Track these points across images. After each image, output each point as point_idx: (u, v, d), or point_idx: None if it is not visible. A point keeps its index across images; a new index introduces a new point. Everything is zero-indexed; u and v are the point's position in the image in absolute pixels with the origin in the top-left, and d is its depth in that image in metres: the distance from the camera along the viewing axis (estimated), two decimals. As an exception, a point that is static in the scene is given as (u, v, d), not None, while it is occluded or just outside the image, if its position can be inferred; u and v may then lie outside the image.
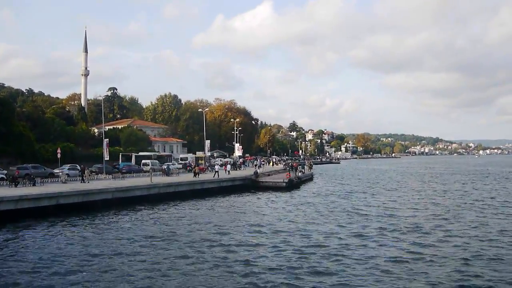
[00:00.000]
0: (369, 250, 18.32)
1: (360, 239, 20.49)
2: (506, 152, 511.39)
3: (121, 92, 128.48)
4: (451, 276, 14.59)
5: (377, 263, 16.19)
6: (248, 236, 21.53)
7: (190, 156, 72.80)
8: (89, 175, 39.54)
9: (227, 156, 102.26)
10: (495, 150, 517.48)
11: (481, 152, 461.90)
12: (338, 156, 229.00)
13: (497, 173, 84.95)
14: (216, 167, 49.45)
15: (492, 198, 38.59)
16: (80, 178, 38.09)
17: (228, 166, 54.94)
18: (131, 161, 59.71)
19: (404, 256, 17.25)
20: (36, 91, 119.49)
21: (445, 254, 17.55)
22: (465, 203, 34.84)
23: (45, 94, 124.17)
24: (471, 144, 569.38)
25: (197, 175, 45.72)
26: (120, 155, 62.55)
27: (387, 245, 19.15)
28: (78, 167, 48.44)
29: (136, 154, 64.03)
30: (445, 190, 47.24)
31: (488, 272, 15.01)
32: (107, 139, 52.08)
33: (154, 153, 71.73)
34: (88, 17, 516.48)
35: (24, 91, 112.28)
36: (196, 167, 49.74)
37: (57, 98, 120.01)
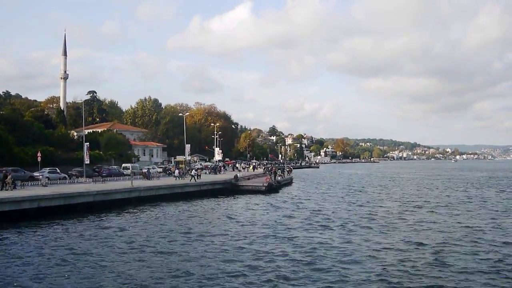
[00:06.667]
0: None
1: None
2: (482, 158, 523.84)
3: (99, 94, 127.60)
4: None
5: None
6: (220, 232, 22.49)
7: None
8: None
9: (207, 160, 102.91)
10: (472, 156, 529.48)
11: (458, 157, 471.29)
12: (317, 161, 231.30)
13: (469, 178, 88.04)
14: (193, 171, 49.82)
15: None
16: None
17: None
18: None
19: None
20: (13, 93, 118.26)
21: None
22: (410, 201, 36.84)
23: (22, 96, 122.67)
24: (448, 149, 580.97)
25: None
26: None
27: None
28: (58, 171, 48.67)
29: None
30: (401, 194, 49.10)
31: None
32: (88, 143, 52.19)
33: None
34: (61, 17, 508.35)
35: (1, 93, 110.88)
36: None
37: (35, 101, 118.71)
